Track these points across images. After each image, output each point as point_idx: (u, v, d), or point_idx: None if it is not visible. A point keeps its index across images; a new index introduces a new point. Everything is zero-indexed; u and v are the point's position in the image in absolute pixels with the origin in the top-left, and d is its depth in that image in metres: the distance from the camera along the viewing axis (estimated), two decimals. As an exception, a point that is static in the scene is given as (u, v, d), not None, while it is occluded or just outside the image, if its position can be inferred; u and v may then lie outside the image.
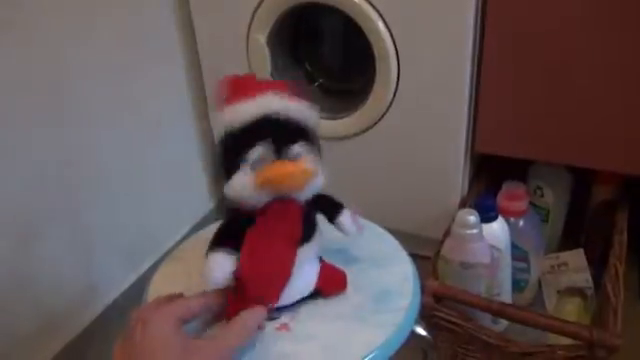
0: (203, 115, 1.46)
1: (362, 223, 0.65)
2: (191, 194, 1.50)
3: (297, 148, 0.55)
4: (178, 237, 1.43)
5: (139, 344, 0.50)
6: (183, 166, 1.46)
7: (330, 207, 0.64)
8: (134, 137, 1.25)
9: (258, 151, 0.54)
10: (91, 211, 1.18)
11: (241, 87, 0.58)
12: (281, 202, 0.56)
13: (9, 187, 0.99)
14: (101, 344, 1.20)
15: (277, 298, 0.58)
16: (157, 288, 0.69)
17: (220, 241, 0.57)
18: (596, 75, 1.05)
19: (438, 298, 0.99)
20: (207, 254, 0.56)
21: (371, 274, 0.65)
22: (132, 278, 1.31)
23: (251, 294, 0.56)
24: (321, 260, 0.63)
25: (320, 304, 0.61)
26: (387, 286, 0.63)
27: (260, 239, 0.56)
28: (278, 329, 0.58)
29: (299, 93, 0.60)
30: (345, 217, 0.63)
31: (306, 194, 0.58)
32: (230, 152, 0.55)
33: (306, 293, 0.61)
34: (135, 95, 1.25)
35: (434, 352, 0.74)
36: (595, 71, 1.05)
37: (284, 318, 0.59)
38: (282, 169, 0.54)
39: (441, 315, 0.98)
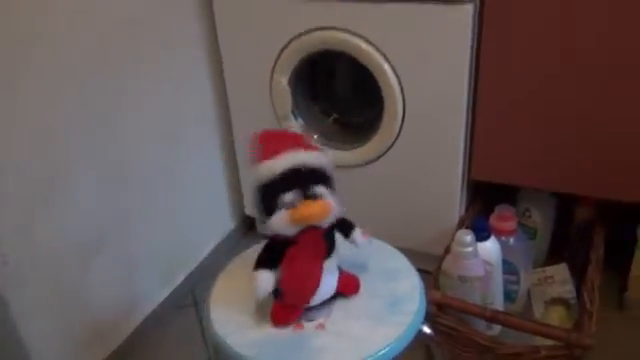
0: (229, 145, 1.61)
1: (371, 239, 0.83)
2: (216, 215, 1.63)
3: (318, 189, 0.74)
4: (205, 253, 1.59)
5: None
6: (209, 191, 1.59)
7: (345, 227, 0.82)
8: (168, 164, 1.39)
9: (290, 196, 0.73)
10: (132, 233, 1.32)
11: (271, 142, 0.76)
12: (309, 230, 0.75)
13: (68, 210, 1.16)
14: (141, 352, 1.34)
15: (309, 302, 0.76)
16: (218, 298, 0.84)
17: (263, 261, 0.76)
18: (576, 117, 1.20)
19: (440, 307, 1.14)
20: (254, 272, 0.74)
21: (386, 285, 0.82)
22: (167, 292, 1.46)
23: (290, 301, 0.73)
24: (339, 269, 0.80)
25: (347, 308, 0.78)
26: (399, 294, 0.80)
27: (295, 259, 0.75)
28: (317, 328, 0.75)
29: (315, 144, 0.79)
30: (357, 234, 0.81)
31: (327, 222, 0.76)
32: (267, 197, 0.74)
33: (330, 295, 0.79)
34: (171, 129, 1.40)
35: (437, 348, 0.90)
36: (576, 115, 1.19)
37: (321, 319, 0.76)
38: (310, 209, 0.73)
39: (442, 321, 1.14)
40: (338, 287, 0.79)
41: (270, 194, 0.73)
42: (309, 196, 0.73)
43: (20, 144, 1.03)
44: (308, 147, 0.76)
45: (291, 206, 0.72)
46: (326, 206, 0.74)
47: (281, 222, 0.73)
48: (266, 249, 0.77)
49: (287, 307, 0.77)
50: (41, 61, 1.05)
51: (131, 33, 1.23)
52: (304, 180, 0.74)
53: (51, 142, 1.09)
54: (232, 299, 0.81)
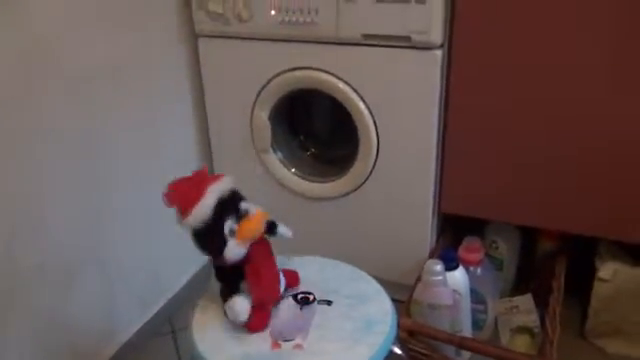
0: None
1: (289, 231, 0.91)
2: (192, 245, 1.66)
3: (243, 206, 0.84)
4: (182, 282, 1.61)
5: None
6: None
7: (271, 227, 0.89)
8: (148, 196, 1.38)
9: (229, 225, 0.81)
10: (111, 262, 1.35)
11: (183, 194, 0.82)
12: (254, 243, 0.83)
13: (48, 241, 1.18)
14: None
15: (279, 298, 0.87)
16: (200, 321, 0.88)
17: (230, 290, 0.83)
18: (538, 156, 1.28)
19: (410, 333, 1.19)
20: (229, 302, 0.82)
21: (361, 308, 0.87)
22: (144, 319, 1.48)
23: (266, 304, 0.84)
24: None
25: (323, 329, 0.83)
26: (372, 317, 0.85)
27: (260, 271, 0.84)
28: (294, 348, 0.80)
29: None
30: (282, 229, 0.90)
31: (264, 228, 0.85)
32: (209, 237, 0.81)
33: (284, 287, 0.89)
34: (150, 158, 1.43)
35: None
36: (539, 154, 1.27)
37: (298, 340, 0.81)
38: (250, 225, 0.82)
39: (413, 347, 1.19)
40: (286, 281, 0.90)
41: (211, 233, 0.80)
42: (241, 216, 0.82)
43: (6, 176, 1.06)
44: (212, 179, 0.83)
45: (233, 233, 0.80)
46: (260, 216, 0.83)
47: (234, 249, 0.80)
48: (223, 280, 0.85)
49: (259, 313, 0.84)
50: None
51: (115, 71, 1.29)
52: (230, 205, 0.82)
53: (31, 173, 1.12)
54: (213, 322, 0.86)
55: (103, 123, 1.27)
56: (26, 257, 1.12)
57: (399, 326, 1.07)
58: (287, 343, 0.80)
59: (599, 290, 1.35)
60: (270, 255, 0.87)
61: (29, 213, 1.12)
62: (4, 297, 1.08)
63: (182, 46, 1.50)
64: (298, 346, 0.80)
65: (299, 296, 0.88)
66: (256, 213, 0.83)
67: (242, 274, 0.83)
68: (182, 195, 0.81)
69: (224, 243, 0.80)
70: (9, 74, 1.04)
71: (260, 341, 0.81)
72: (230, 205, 0.82)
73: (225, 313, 0.85)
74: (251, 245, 0.83)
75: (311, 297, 0.88)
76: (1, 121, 1.04)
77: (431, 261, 1.19)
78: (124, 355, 1.39)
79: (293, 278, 0.93)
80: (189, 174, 0.84)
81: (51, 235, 1.18)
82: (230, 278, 0.84)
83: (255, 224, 0.82)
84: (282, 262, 0.91)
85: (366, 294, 0.91)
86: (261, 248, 0.85)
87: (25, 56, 1.06)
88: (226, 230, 0.80)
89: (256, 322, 0.84)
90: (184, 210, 0.79)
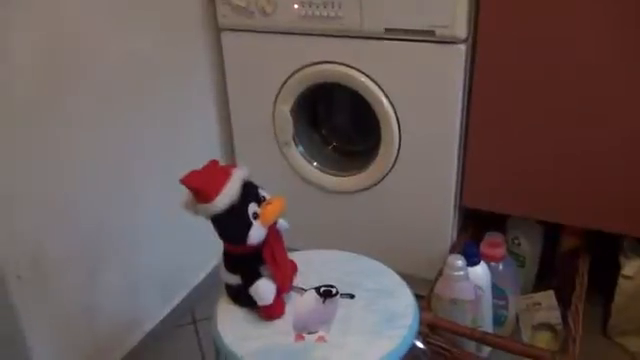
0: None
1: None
2: (215, 236, 1.67)
3: (261, 192, 0.85)
4: (204, 274, 1.63)
5: None
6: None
7: None
8: (172, 187, 1.43)
9: (253, 208, 0.82)
10: (135, 253, 1.38)
11: (205, 179, 0.82)
12: (269, 229, 0.84)
13: (77, 231, 1.21)
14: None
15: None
16: (223, 312, 0.90)
17: (253, 274, 0.84)
18: (562, 150, 1.27)
19: (431, 328, 1.19)
20: (255, 285, 0.82)
21: (383, 301, 0.88)
22: (167, 310, 1.51)
23: (283, 290, 0.86)
24: None
25: (345, 322, 0.83)
26: (395, 310, 0.86)
27: (275, 257, 0.85)
28: (317, 340, 0.80)
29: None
30: (281, 222, 0.89)
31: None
32: (233, 220, 0.82)
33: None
34: (174, 151, 1.45)
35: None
36: (562, 148, 1.26)
37: (321, 332, 0.81)
38: (274, 207, 0.83)
39: (434, 342, 1.19)
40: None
41: (237, 216, 0.81)
42: (260, 200, 0.83)
43: (39, 173, 1.09)
44: (230, 166, 0.85)
45: (256, 216, 0.81)
46: (281, 200, 0.84)
47: (258, 231, 0.82)
48: (242, 265, 0.86)
49: (278, 299, 0.85)
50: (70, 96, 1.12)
51: (139, 65, 1.30)
52: (251, 190, 0.84)
53: (64, 170, 1.15)
54: (235, 314, 0.87)
55: (127, 118, 1.29)
56: (55, 249, 1.15)
57: (420, 321, 1.08)
58: (310, 335, 0.81)
59: (623, 287, 1.33)
60: (282, 240, 0.88)
61: (59, 204, 1.14)
62: (32, 285, 1.10)
63: (205, 39, 1.51)
64: (321, 338, 0.80)
65: (322, 289, 0.89)
66: (274, 197, 0.85)
67: (260, 259, 0.84)
68: (208, 178, 0.81)
69: (249, 226, 0.81)
70: (37, 74, 1.06)
71: (283, 333, 0.82)
72: (252, 189, 0.84)
73: (241, 305, 0.87)
74: (269, 233, 0.84)
75: (334, 290, 0.89)
76: (32, 122, 1.06)
77: (453, 256, 1.19)
78: (147, 344, 1.42)
79: (294, 266, 0.94)
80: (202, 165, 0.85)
81: (79, 229, 1.20)
82: (249, 264, 0.85)
83: (278, 207, 0.83)
84: (304, 255, 0.92)
85: (388, 288, 0.91)
86: (274, 233, 0.86)
87: (52, 55, 1.08)
88: (252, 210, 0.81)
89: (279, 307, 0.85)
90: (207, 194, 0.80)
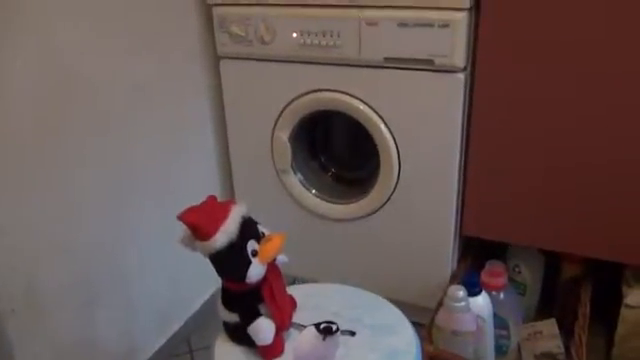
0: (229, 194, 1.66)
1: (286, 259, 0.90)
2: (210, 267, 1.65)
3: (260, 228, 0.84)
4: (200, 304, 1.60)
5: None
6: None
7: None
8: (168, 219, 1.42)
9: (252, 245, 0.81)
10: (131, 285, 1.36)
11: (204, 216, 0.80)
12: (268, 265, 0.83)
13: (73, 264, 1.19)
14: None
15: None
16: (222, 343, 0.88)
17: (252, 313, 0.83)
18: (561, 180, 1.26)
19: (433, 360, 1.18)
20: (254, 325, 0.81)
21: (384, 338, 0.86)
22: (162, 340, 1.48)
23: (282, 329, 0.84)
24: None
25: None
26: (396, 347, 0.84)
27: (274, 295, 0.83)
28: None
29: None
30: (280, 257, 0.88)
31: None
32: (232, 257, 0.80)
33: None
34: (171, 181, 1.44)
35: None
36: (562, 178, 1.26)
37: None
38: (273, 244, 0.82)
39: (436, 375, 1.17)
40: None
41: (236, 253, 0.80)
42: (259, 237, 0.82)
43: (32, 205, 1.08)
44: (230, 202, 0.84)
45: (255, 253, 0.80)
46: (280, 237, 0.83)
47: (257, 269, 0.80)
48: (240, 302, 0.84)
49: (277, 337, 0.83)
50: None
51: (138, 92, 1.30)
52: (250, 226, 0.82)
53: (58, 203, 1.13)
54: (234, 351, 0.85)
55: (125, 144, 1.28)
56: (50, 281, 1.13)
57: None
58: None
59: (626, 317, 1.31)
60: (281, 277, 0.87)
61: (54, 236, 1.13)
62: (27, 318, 1.08)
63: (204, 67, 1.51)
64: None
65: (322, 325, 0.87)
66: (274, 234, 0.83)
67: (258, 296, 0.82)
68: (206, 214, 0.80)
69: (248, 264, 0.79)
70: (34, 106, 1.05)
71: (283, 371, 0.81)
72: (251, 226, 0.82)
73: (240, 344, 0.85)
74: (269, 270, 0.83)
75: (334, 327, 0.87)
76: (26, 153, 1.05)
77: (454, 287, 1.17)
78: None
79: (293, 303, 0.93)
80: (202, 200, 0.84)
81: (75, 257, 1.18)
82: (248, 302, 0.83)
83: (277, 244, 0.82)
84: (302, 289, 0.90)
85: (389, 323, 0.89)
86: (273, 269, 0.85)
87: (49, 86, 1.08)
88: (251, 248, 0.80)
89: (278, 346, 0.83)
90: (206, 232, 0.78)
